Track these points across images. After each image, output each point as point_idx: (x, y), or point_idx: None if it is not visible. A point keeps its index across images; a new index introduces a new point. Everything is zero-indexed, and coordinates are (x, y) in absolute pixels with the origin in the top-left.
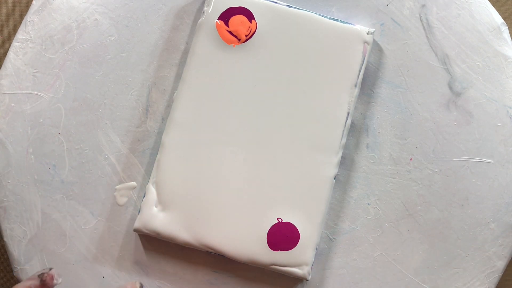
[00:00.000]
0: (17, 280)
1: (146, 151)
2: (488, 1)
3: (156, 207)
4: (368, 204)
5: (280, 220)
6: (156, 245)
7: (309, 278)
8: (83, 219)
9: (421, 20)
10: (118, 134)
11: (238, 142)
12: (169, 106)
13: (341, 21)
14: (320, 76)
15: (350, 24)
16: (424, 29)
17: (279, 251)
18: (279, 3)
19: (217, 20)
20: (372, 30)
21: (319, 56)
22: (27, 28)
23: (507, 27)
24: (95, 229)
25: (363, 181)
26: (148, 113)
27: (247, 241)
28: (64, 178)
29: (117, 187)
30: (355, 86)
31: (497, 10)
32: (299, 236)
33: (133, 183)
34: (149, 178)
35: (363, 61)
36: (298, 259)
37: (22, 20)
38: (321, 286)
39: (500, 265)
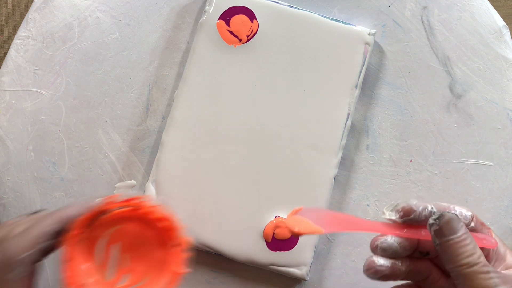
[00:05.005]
0: None
1: (146, 150)
2: (490, 4)
3: None
4: (368, 205)
5: (278, 217)
6: None
7: (308, 278)
8: None
9: (422, 22)
10: (118, 133)
11: (238, 142)
12: (169, 105)
13: (343, 22)
14: (321, 77)
15: (351, 25)
16: (426, 31)
17: (277, 251)
18: (280, 3)
19: (218, 20)
20: (373, 31)
21: (320, 57)
22: (28, 25)
23: (508, 30)
24: None
25: (363, 182)
26: (148, 112)
27: (246, 241)
28: (63, 176)
29: (117, 185)
30: (356, 87)
31: (497, 10)
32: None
33: (133, 182)
34: (149, 176)
35: (364, 62)
36: (296, 260)
37: (22, 20)
38: (319, 287)
39: None
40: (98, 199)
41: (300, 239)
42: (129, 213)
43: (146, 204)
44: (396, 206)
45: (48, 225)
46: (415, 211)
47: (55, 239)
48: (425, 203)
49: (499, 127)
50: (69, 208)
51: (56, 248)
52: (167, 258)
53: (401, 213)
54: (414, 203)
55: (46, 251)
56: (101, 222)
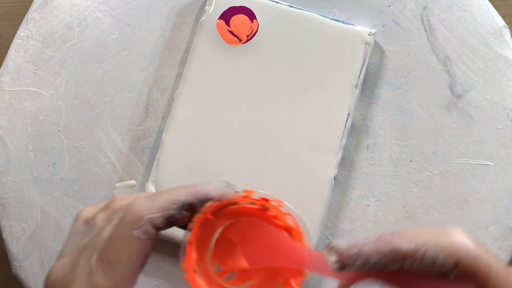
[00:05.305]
0: (15, 279)
1: (146, 150)
2: (490, 4)
3: None
4: (368, 205)
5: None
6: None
7: (308, 278)
8: None
9: (422, 22)
10: (118, 133)
11: (238, 141)
12: (169, 105)
13: (343, 22)
14: (321, 77)
15: (351, 25)
16: (426, 31)
17: None
18: (280, 3)
19: (218, 20)
20: (373, 31)
21: (320, 57)
22: (28, 25)
23: (508, 30)
24: None
25: (363, 182)
26: (148, 112)
27: None
28: (63, 176)
29: (117, 185)
30: (356, 87)
31: (497, 10)
32: None
33: (133, 182)
34: (149, 176)
35: (364, 62)
36: None
37: (22, 20)
38: (319, 287)
39: None
40: (238, 189)
41: None
42: (256, 211)
43: (277, 209)
44: (333, 248)
45: (179, 194)
46: (351, 264)
47: (182, 211)
48: (375, 248)
49: (499, 127)
50: (205, 185)
51: (179, 222)
52: (280, 270)
53: (339, 261)
54: (354, 251)
55: (170, 222)
56: (226, 212)
